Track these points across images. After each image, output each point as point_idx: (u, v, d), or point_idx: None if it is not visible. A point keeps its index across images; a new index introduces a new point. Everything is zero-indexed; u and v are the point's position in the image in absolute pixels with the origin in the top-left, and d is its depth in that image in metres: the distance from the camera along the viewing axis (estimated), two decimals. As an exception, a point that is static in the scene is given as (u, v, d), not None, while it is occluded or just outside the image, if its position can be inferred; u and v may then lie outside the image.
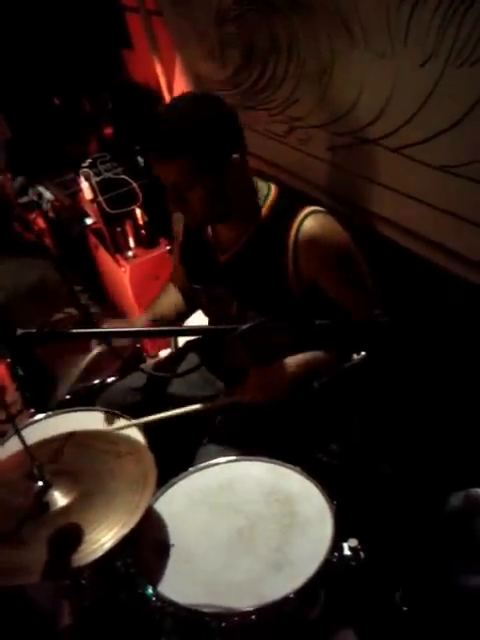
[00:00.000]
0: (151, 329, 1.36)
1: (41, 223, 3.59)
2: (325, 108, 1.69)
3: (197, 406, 1.68)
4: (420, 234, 1.56)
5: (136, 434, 1.61)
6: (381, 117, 1.49)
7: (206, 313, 1.86)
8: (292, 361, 1.63)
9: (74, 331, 1.10)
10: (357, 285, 1.54)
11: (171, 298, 1.95)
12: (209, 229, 1.70)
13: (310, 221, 1.51)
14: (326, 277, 1.53)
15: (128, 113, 3.37)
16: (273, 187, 1.60)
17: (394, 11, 1.26)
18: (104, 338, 1.34)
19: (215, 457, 1.59)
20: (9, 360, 2.27)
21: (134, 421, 1.66)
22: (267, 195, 1.58)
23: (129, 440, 1.47)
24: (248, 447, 1.62)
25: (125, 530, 1.21)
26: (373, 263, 1.59)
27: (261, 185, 1.60)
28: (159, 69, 2.86)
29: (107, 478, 1.33)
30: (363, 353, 1.07)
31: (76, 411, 1.79)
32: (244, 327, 1.06)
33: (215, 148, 1.44)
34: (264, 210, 1.58)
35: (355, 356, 1.08)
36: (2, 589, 1.79)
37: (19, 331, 1.06)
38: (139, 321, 1.86)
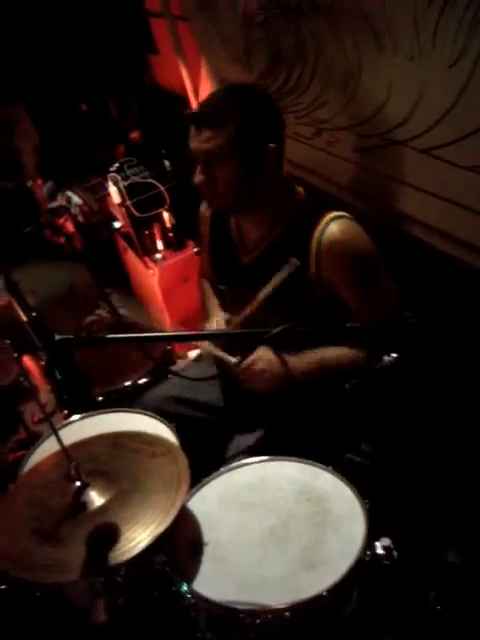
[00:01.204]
0: (184, 334, 1.38)
1: (70, 227, 3.65)
2: (352, 110, 1.70)
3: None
4: (449, 233, 1.56)
5: (169, 435, 1.64)
6: (410, 119, 1.50)
7: (231, 313, 1.88)
8: (304, 363, 1.60)
9: (110, 337, 1.13)
10: (376, 295, 1.53)
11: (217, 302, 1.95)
12: (234, 229, 1.72)
13: (334, 226, 1.52)
14: (345, 284, 1.54)
15: (154, 117, 3.41)
16: (300, 189, 1.61)
17: (422, 13, 1.26)
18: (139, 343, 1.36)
19: (246, 457, 1.61)
20: (43, 362, 2.34)
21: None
22: (295, 197, 1.60)
23: (163, 441, 1.49)
24: (279, 447, 1.64)
25: (160, 529, 1.23)
26: (401, 264, 1.60)
27: (291, 187, 1.62)
28: (185, 73, 2.88)
29: (142, 478, 1.36)
30: (394, 355, 1.08)
31: (110, 412, 1.83)
32: (273, 331, 1.07)
33: (256, 128, 1.48)
34: (289, 212, 1.59)
35: (386, 358, 1.09)
36: (41, 585, 1.85)
37: (57, 337, 1.09)
38: (217, 324, 1.84)
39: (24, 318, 1.08)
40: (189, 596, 1.31)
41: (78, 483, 1.31)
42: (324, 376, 1.62)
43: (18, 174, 4.16)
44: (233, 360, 1.63)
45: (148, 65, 3.51)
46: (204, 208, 1.83)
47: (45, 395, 2.49)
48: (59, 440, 1.35)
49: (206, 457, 1.65)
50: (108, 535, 1.24)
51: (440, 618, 1.40)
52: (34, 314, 1.08)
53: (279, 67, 1.90)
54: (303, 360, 1.62)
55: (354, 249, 1.52)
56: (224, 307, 1.89)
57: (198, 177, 1.56)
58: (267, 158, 1.52)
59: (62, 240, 3.69)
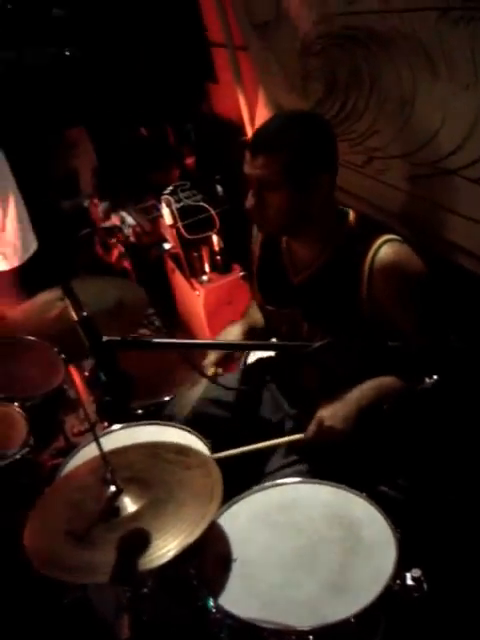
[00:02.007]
0: (227, 342, 1.40)
1: (121, 247, 3.74)
2: (405, 139, 1.71)
3: (267, 443, 1.69)
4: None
5: (204, 449, 1.65)
6: (462, 148, 1.50)
7: (277, 336, 1.89)
8: (358, 394, 1.60)
9: (156, 340, 1.16)
10: (426, 317, 1.52)
11: (259, 314, 1.99)
12: (285, 250, 1.74)
13: (386, 249, 1.53)
14: (396, 305, 1.54)
15: (210, 144, 3.49)
16: (351, 213, 1.63)
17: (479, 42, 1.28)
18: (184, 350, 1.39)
19: (280, 477, 1.61)
20: (86, 373, 2.39)
21: (214, 455, 1.67)
22: (346, 221, 1.62)
23: (199, 454, 1.51)
24: (314, 471, 1.63)
25: (190, 540, 1.24)
26: (447, 293, 1.59)
27: (342, 211, 1.64)
28: (242, 102, 2.95)
29: (176, 488, 1.37)
30: (435, 377, 1.07)
31: (149, 424, 1.86)
32: (317, 344, 1.09)
33: (310, 157, 1.51)
34: (341, 235, 1.61)
35: (428, 380, 1.08)
36: (70, 596, 1.87)
37: (105, 338, 1.12)
38: (233, 330, 1.90)
39: (75, 317, 1.11)
40: (214, 611, 1.31)
41: (113, 488, 1.33)
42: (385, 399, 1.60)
43: (76, 194, 4.31)
44: (298, 436, 1.65)
45: (207, 93, 3.61)
46: (257, 229, 1.86)
47: (88, 406, 2.54)
48: (98, 444, 1.38)
49: (240, 470, 1.66)
50: (139, 541, 1.26)
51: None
52: (85, 314, 1.11)
53: (334, 95, 1.93)
54: (359, 389, 1.62)
55: (407, 271, 1.53)
56: (272, 331, 1.91)
57: (249, 201, 1.59)
58: (319, 188, 1.55)
59: (113, 259, 3.79)
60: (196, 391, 1.98)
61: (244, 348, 1.40)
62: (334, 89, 1.92)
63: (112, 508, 1.32)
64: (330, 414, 1.60)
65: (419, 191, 1.76)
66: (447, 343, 1.12)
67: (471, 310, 1.63)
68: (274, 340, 1.79)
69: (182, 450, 1.50)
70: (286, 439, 1.68)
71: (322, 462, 1.66)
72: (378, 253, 1.53)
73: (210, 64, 3.38)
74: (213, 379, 1.79)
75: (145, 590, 1.52)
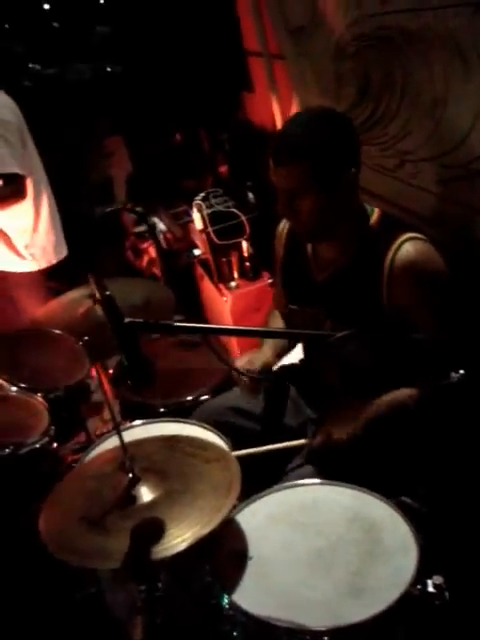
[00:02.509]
0: (247, 329, 1.39)
1: (152, 253, 3.77)
2: (437, 141, 1.70)
3: (273, 446, 1.69)
4: None
5: (224, 444, 1.63)
6: (496, 148, 1.48)
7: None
8: (369, 411, 1.60)
9: (177, 325, 1.15)
10: (447, 317, 1.50)
11: (281, 324, 1.97)
12: (309, 248, 1.73)
13: (408, 247, 1.51)
14: (417, 304, 1.51)
15: (244, 152, 3.51)
16: (376, 211, 1.62)
17: (514, 40, 1.26)
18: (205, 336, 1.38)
19: (301, 478, 1.58)
20: (111, 371, 2.40)
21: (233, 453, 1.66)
22: (370, 219, 1.61)
23: (218, 448, 1.50)
24: (335, 475, 1.60)
25: (205, 531, 1.23)
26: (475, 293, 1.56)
27: (367, 209, 1.62)
28: (276, 110, 2.97)
29: (193, 480, 1.36)
30: (462, 371, 1.04)
31: (170, 422, 1.85)
32: (340, 334, 1.07)
33: (334, 158, 1.49)
34: (365, 233, 1.60)
35: (453, 374, 1.05)
36: (83, 592, 1.86)
37: (126, 320, 1.12)
38: (264, 355, 1.88)
39: (99, 296, 1.12)
40: (228, 608, 1.28)
41: (130, 475, 1.32)
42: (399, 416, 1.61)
43: (111, 202, 4.38)
44: (303, 441, 1.66)
45: (242, 102, 3.64)
46: (281, 227, 1.85)
47: (112, 403, 2.55)
48: (118, 432, 1.38)
49: (260, 472, 1.64)
50: (153, 530, 1.25)
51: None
52: (108, 293, 1.12)
53: (367, 98, 1.93)
54: (373, 404, 1.61)
55: (428, 269, 1.51)
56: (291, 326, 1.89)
57: (282, 211, 1.59)
58: (348, 183, 1.54)
59: (143, 264, 3.82)
60: (219, 400, 1.98)
61: (267, 335, 1.38)
62: (367, 92, 1.92)
63: (128, 496, 1.32)
64: (337, 428, 1.61)
65: (451, 194, 1.74)
66: (472, 336, 1.09)
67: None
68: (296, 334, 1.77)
69: (201, 444, 1.49)
70: (292, 443, 1.66)
71: (342, 470, 1.63)
72: (399, 251, 1.51)
73: (246, 73, 3.42)
74: (233, 368, 1.77)
75: (159, 588, 1.50)
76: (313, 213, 1.53)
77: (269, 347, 1.89)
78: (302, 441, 1.69)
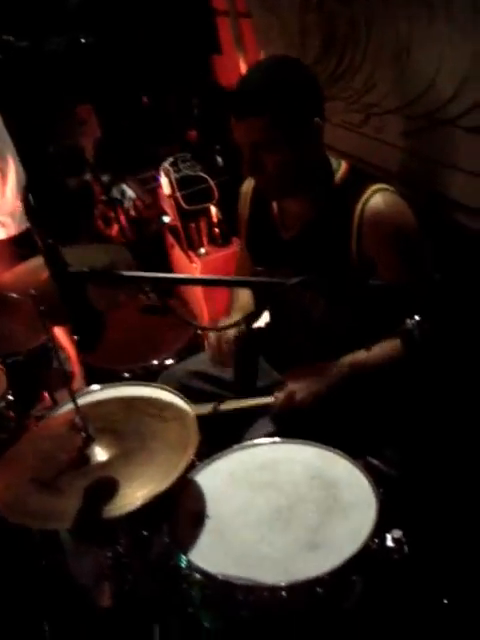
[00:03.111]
0: (205, 278, 1.35)
1: (122, 221, 3.69)
2: (401, 91, 1.66)
3: (236, 404, 1.68)
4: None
5: (185, 406, 1.59)
6: (458, 96, 1.44)
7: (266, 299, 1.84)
8: (332, 372, 1.59)
9: (125, 274, 1.10)
10: (415, 269, 1.47)
11: (246, 291, 1.93)
12: (275, 206, 1.68)
13: (376, 198, 1.48)
14: (385, 257, 1.48)
15: (213, 117, 3.43)
16: (343, 163, 1.58)
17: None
18: (155, 287, 1.34)
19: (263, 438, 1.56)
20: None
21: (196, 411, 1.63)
22: (337, 171, 1.56)
23: (176, 408, 1.46)
24: (299, 436, 1.58)
25: (159, 488, 1.20)
26: (446, 252, 1.53)
27: (332, 161, 1.58)
28: (243, 70, 2.89)
29: (150, 439, 1.33)
30: (417, 318, 1.01)
31: (132, 385, 1.81)
32: (293, 280, 1.03)
33: (295, 107, 1.44)
34: (332, 186, 1.55)
35: (409, 321, 1.02)
36: (48, 566, 1.83)
37: (71, 269, 1.07)
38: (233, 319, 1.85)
39: (40, 245, 1.06)
40: (185, 567, 1.26)
41: (83, 435, 1.28)
42: (363, 377, 1.59)
43: (83, 170, 4.27)
44: (267, 400, 1.63)
45: (211, 65, 3.55)
46: (245, 187, 1.80)
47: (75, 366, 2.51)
48: (71, 394, 1.34)
49: (225, 436, 1.61)
50: (106, 490, 1.22)
51: (448, 620, 1.30)
52: (51, 241, 1.06)
53: (332, 51, 1.88)
54: (338, 365, 1.59)
55: (397, 221, 1.48)
56: (259, 299, 1.86)
57: (246, 167, 1.53)
58: (312, 133, 1.49)
59: (113, 232, 3.74)
60: (184, 364, 1.94)
61: (221, 284, 1.34)
62: (332, 44, 1.87)
63: (82, 456, 1.28)
64: (300, 388, 1.59)
65: (415, 146, 1.71)
66: (431, 281, 1.06)
67: (464, 266, 1.57)
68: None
69: (159, 404, 1.46)
70: (255, 401, 1.63)
71: (306, 431, 1.61)
72: (368, 203, 1.47)
73: (214, 35, 3.33)
74: (193, 324, 1.73)
75: (122, 552, 1.48)
76: (278, 167, 1.47)
77: (238, 314, 1.85)
78: (267, 399, 1.66)
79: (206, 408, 1.63)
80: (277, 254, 1.67)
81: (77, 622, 1.73)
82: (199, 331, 1.77)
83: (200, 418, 1.50)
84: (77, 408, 1.30)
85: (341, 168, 1.57)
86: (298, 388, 1.60)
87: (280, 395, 1.61)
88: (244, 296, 1.88)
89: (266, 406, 1.66)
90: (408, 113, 1.66)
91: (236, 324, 1.73)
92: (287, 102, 1.43)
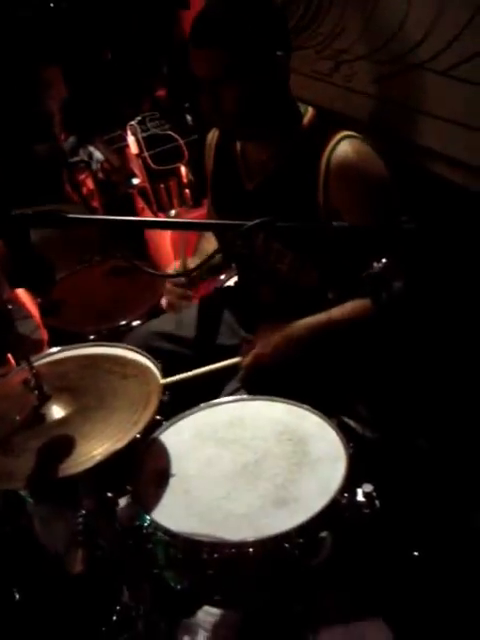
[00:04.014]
0: (157, 220, 1.29)
1: (90, 184, 3.58)
2: (371, 34, 1.59)
3: (206, 368, 1.60)
4: (466, 162, 1.43)
5: (149, 364, 1.54)
6: (428, 37, 1.38)
7: (232, 253, 1.78)
8: (294, 330, 1.55)
9: (71, 216, 1.03)
10: (384, 218, 1.40)
11: (212, 242, 1.88)
12: (239, 154, 1.61)
13: (344, 146, 1.41)
14: (354, 207, 1.41)
15: (182, 74, 3.32)
16: (310, 110, 1.50)
17: None
18: (108, 243, 1.27)
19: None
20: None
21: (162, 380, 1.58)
22: (303, 117, 1.49)
23: (138, 364, 1.41)
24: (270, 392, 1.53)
25: (118, 445, 1.15)
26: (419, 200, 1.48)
27: (300, 107, 1.51)
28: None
29: (109, 396, 1.28)
30: (384, 260, 0.96)
31: (95, 346, 1.74)
32: (252, 223, 0.98)
33: (254, 40, 1.35)
34: (298, 133, 1.48)
35: (375, 264, 0.97)
36: (13, 532, 1.78)
37: (14, 212, 1.00)
38: (187, 262, 1.78)
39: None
40: (148, 526, 1.22)
41: (36, 393, 1.22)
42: (330, 335, 1.54)
43: (52, 137, 4.14)
44: (234, 360, 1.58)
45: (178, 20, 3.42)
46: (210, 136, 1.73)
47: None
48: (24, 353, 1.28)
49: (194, 396, 1.56)
50: (62, 448, 1.16)
51: (417, 564, 1.28)
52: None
53: (300, -4, 1.79)
54: (303, 323, 1.55)
55: (365, 170, 1.41)
56: (226, 248, 1.79)
57: (205, 105, 1.45)
58: (276, 71, 1.41)
59: (80, 197, 3.63)
60: (149, 325, 1.88)
61: (178, 227, 1.28)
62: (299, -12, 1.78)
63: (37, 415, 1.22)
64: (265, 346, 1.55)
65: (387, 93, 1.64)
66: (397, 223, 1.01)
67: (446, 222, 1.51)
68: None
69: (120, 360, 1.40)
70: (223, 363, 1.58)
71: (275, 390, 1.56)
72: (335, 150, 1.40)
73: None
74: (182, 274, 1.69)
75: (84, 513, 1.43)
76: (237, 104, 1.39)
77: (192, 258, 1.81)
78: (234, 360, 1.61)
79: (174, 377, 1.57)
80: (240, 205, 1.60)
81: (47, 588, 1.69)
82: (153, 276, 1.70)
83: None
84: (31, 366, 1.23)
85: (308, 113, 1.50)
86: (263, 347, 1.55)
87: (246, 356, 1.56)
88: (208, 247, 1.82)
89: (234, 366, 1.61)
90: (378, 58, 1.59)
91: (187, 272, 1.67)
92: (245, 33, 1.35)
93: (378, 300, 1.08)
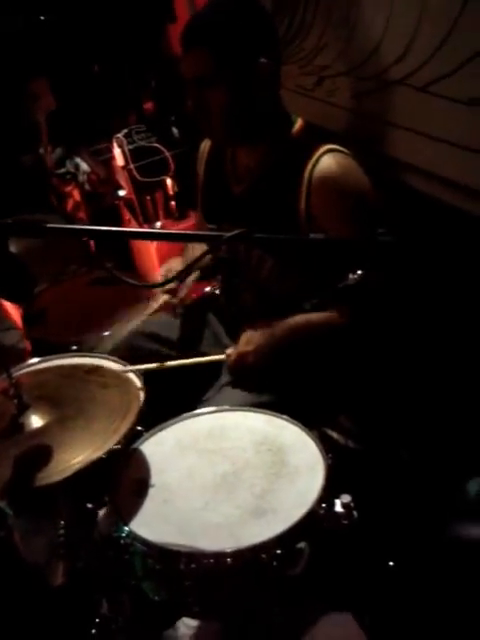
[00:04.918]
0: (139, 231, 1.30)
1: (76, 196, 3.59)
2: (351, 51, 1.62)
3: (189, 360, 1.62)
4: (445, 177, 1.45)
5: (131, 375, 1.54)
6: (408, 52, 1.41)
7: (217, 258, 1.79)
8: (276, 330, 1.57)
9: (51, 226, 1.04)
10: (362, 232, 1.41)
11: (199, 246, 1.89)
12: (229, 159, 1.65)
13: (327, 159, 1.44)
14: (335, 220, 1.44)
15: (169, 87, 3.35)
16: (300, 120, 1.53)
17: None
18: (90, 253, 1.28)
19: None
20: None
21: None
22: (292, 126, 1.52)
23: (118, 374, 1.41)
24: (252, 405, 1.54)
25: (96, 454, 1.14)
26: (399, 214, 1.50)
27: (289, 117, 1.55)
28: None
29: (88, 405, 1.27)
30: (359, 272, 0.97)
31: (77, 356, 1.74)
32: (229, 234, 0.99)
33: (240, 43, 1.39)
34: (285, 142, 1.52)
35: (351, 276, 0.98)
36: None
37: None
38: (173, 263, 1.83)
39: None
40: (126, 537, 1.21)
41: (15, 401, 1.22)
42: (310, 336, 1.57)
43: (38, 147, 4.14)
44: (219, 357, 1.60)
45: (166, 34, 3.46)
46: (202, 146, 1.76)
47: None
48: (3, 362, 1.28)
49: (175, 402, 1.57)
50: (40, 457, 1.16)
51: (393, 575, 1.28)
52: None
53: (283, 12, 1.82)
54: (285, 323, 1.57)
55: (348, 182, 1.44)
56: (212, 258, 1.82)
57: (193, 110, 1.47)
58: (260, 75, 1.43)
59: (68, 208, 3.63)
60: (130, 326, 1.89)
61: (158, 237, 1.29)
62: (282, 3, 1.81)
63: (15, 424, 1.22)
64: (247, 342, 1.57)
65: (365, 108, 1.67)
66: (373, 236, 1.02)
67: (425, 235, 1.54)
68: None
69: (99, 370, 1.40)
70: (208, 358, 1.60)
71: (260, 389, 1.58)
72: (319, 163, 1.43)
73: (169, 3, 3.24)
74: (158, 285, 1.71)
75: (64, 525, 1.43)
76: (222, 108, 1.42)
77: (177, 261, 1.85)
78: (219, 357, 1.63)
79: (153, 364, 1.58)
80: (227, 210, 1.63)
81: (27, 601, 1.68)
82: (136, 288, 1.72)
83: (150, 386, 1.46)
84: (9, 375, 1.23)
85: (297, 123, 1.54)
86: (247, 345, 1.58)
87: (231, 353, 1.58)
88: (196, 250, 1.84)
89: (217, 362, 1.63)
90: (358, 74, 1.62)
91: (174, 277, 1.69)
92: (231, 35, 1.38)
93: (353, 310, 1.10)
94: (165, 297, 1.75)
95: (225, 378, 1.66)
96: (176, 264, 1.86)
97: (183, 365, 1.59)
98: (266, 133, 1.51)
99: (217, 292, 1.99)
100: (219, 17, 1.40)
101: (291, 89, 1.96)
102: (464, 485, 1.62)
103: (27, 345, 2.57)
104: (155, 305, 1.77)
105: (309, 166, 1.44)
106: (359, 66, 1.60)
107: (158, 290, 1.80)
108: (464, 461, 1.68)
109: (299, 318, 1.55)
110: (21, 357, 2.64)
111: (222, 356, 1.60)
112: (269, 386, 1.60)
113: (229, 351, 1.60)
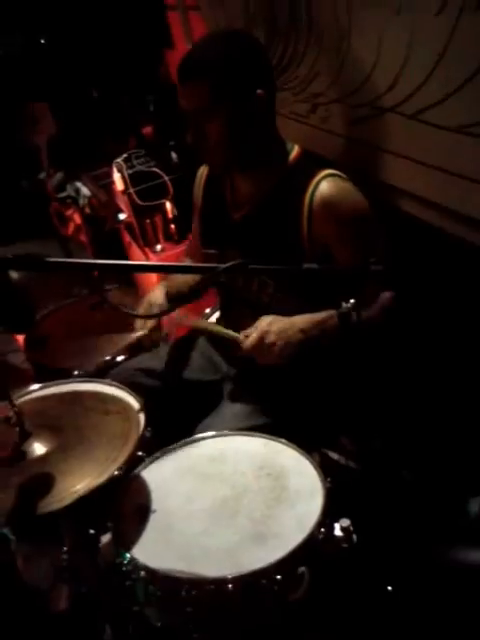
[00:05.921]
0: (136, 264, 1.32)
1: (77, 219, 3.63)
2: (344, 78, 1.65)
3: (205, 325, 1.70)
4: (434, 202, 1.48)
5: (130, 400, 1.56)
6: (399, 81, 1.44)
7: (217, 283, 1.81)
8: (303, 322, 1.51)
9: (50, 260, 1.06)
10: (366, 252, 1.45)
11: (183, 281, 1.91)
12: (228, 186, 1.67)
13: (327, 184, 1.47)
14: (338, 243, 1.47)
15: (168, 113, 3.40)
16: (296, 147, 1.58)
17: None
18: (90, 276, 1.30)
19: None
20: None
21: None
22: (289, 153, 1.56)
23: (119, 401, 1.43)
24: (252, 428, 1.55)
25: (98, 481, 1.16)
26: (394, 240, 1.53)
27: (287, 144, 1.58)
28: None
29: (89, 432, 1.29)
30: (352, 301, 1.00)
31: (80, 382, 1.76)
32: (226, 265, 1.01)
33: (237, 74, 1.42)
34: (284, 169, 1.55)
35: (344, 304, 1.00)
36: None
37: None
38: (157, 292, 1.82)
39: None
40: (128, 564, 1.22)
41: (18, 429, 1.24)
42: (325, 334, 1.50)
43: (38, 170, 4.20)
44: (237, 335, 1.55)
45: (164, 60, 3.52)
46: (200, 171, 1.79)
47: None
48: (5, 388, 1.29)
49: (175, 432, 1.58)
50: (43, 485, 1.17)
51: (391, 599, 1.29)
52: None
53: (276, 40, 1.86)
54: (304, 316, 1.52)
55: (348, 206, 1.47)
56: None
57: (191, 140, 1.51)
58: (257, 106, 1.46)
59: (69, 231, 3.68)
60: (131, 362, 1.90)
61: (154, 270, 1.31)
62: (275, 33, 1.85)
63: (18, 452, 1.23)
64: (271, 329, 1.48)
65: (358, 134, 1.70)
66: (365, 265, 1.04)
67: (418, 261, 1.56)
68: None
69: (101, 397, 1.42)
70: (224, 331, 1.61)
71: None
72: (318, 188, 1.46)
73: (166, 30, 3.29)
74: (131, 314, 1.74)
75: (67, 551, 1.44)
76: (219, 137, 1.46)
77: (160, 290, 1.82)
78: (236, 334, 1.56)
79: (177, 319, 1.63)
80: (226, 235, 1.66)
81: (30, 627, 1.68)
82: (129, 316, 1.75)
83: (150, 411, 1.47)
84: (12, 403, 1.25)
85: (294, 151, 1.57)
86: (269, 325, 1.49)
87: (251, 333, 1.50)
88: (182, 282, 1.85)
89: (233, 340, 1.57)
90: (351, 102, 1.66)
91: (164, 312, 1.71)
92: (227, 68, 1.42)
93: (344, 326, 1.11)
94: (143, 332, 1.75)
95: (226, 404, 1.67)
96: (156, 296, 1.83)
97: (196, 326, 1.65)
98: (264, 160, 1.55)
99: (215, 320, 2.00)
100: (216, 51, 1.43)
101: (286, 115, 1.99)
102: (465, 505, 1.63)
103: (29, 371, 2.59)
104: (133, 337, 1.77)
105: (309, 191, 1.47)
106: (351, 94, 1.64)
107: (139, 322, 1.79)
108: (466, 480, 1.69)
109: (317, 315, 1.51)
110: (25, 378, 2.67)
111: (238, 335, 1.54)
112: (269, 408, 1.61)
113: (247, 331, 1.53)
